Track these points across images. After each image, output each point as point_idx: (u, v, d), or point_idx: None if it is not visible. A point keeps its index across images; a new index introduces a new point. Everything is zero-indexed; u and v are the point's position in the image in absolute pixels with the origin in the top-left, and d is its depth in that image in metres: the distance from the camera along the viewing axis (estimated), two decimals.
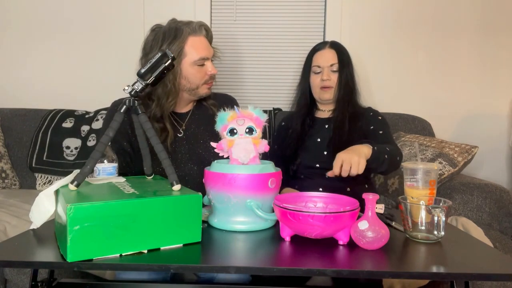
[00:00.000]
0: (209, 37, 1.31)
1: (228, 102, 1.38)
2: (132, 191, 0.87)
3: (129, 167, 1.27)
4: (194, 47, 1.25)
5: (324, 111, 1.57)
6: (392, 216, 1.05)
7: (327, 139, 1.48)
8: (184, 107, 1.37)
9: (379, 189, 1.77)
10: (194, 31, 1.25)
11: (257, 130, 1.01)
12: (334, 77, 1.49)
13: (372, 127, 1.46)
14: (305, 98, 1.57)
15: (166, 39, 1.22)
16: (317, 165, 1.46)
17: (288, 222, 0.86)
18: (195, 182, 1.25)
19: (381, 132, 1.44)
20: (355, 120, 1.48)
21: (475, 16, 2.15)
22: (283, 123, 1.65)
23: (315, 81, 1.52)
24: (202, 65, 1.27)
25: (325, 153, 1.47)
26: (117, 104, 1.29)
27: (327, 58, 1.50)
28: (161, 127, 1.26)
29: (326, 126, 1.52)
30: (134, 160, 1.27)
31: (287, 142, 1.54)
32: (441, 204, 0.91)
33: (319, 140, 1.50)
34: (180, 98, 1.32)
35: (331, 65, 1.49)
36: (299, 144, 1.51)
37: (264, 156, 1.21)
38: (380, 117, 1.50)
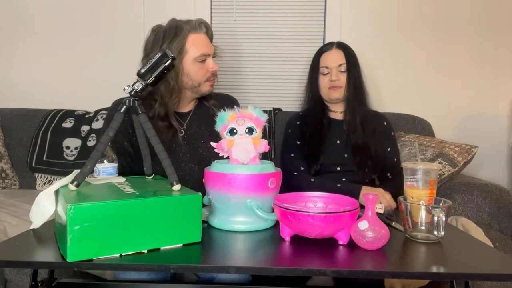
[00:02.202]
0: (209, 34, 1.32)
1: (230, 102, 1.38)
2: (132, 191, 0.87)
3: (129, 167, 1.27)
4: (194, 44, 1.26)
5: (336, 112, 1.56)
6: (392, 216, 1.05)
7: (346, 141, 1.50)
8: (186, 107, 1.38)
9: None
10: (194, 29, 1.26)
11: (257, 130, 1.01)
12: (343, 77, 1.49)
13: (384, 141, 1.52)
14: (319, 99, 1.56)
15: (166, 38, 1.23)
16: (338, 168, 1.47)
17: (288, 222, 0.86)
18: (196, 182, 1.25)
19: (389, 149, 1.53)
20: (367, 121, 1.50)
21: (475, 16, 2.15)
22: (297, 122, 1.58)
23: (324, 81, 1.52)
24: (203, 61, 1.29)
25: (346, 155, 1.48)
26: (118, 103, 1.28)
27: (335, 59, 1.50)
28: (167, 125, 1.27)
29: (344, 128, 1.52)
30: (135, 160, 1.27)
31: (306, 142, 1.51)
32: (441, 204, 0.91)
33: (338, 142, 1.51)
34: (183, 96, 1.33)
35: (339, 66, 1.49)
36: (320, 145, 1.49)
37: (287, 153, 1.31)
38: (392, 133, 1.57)
